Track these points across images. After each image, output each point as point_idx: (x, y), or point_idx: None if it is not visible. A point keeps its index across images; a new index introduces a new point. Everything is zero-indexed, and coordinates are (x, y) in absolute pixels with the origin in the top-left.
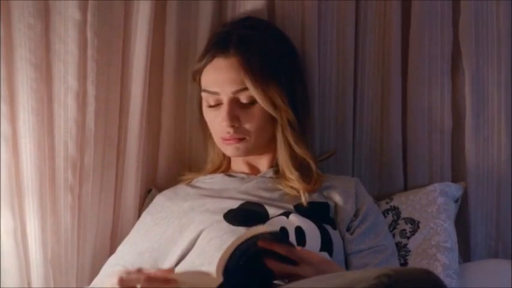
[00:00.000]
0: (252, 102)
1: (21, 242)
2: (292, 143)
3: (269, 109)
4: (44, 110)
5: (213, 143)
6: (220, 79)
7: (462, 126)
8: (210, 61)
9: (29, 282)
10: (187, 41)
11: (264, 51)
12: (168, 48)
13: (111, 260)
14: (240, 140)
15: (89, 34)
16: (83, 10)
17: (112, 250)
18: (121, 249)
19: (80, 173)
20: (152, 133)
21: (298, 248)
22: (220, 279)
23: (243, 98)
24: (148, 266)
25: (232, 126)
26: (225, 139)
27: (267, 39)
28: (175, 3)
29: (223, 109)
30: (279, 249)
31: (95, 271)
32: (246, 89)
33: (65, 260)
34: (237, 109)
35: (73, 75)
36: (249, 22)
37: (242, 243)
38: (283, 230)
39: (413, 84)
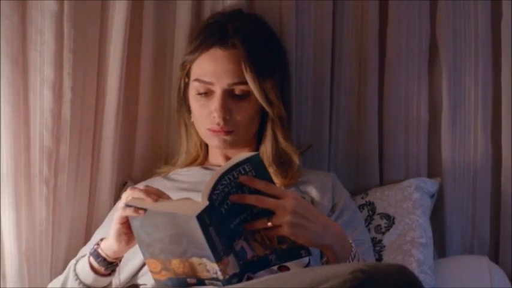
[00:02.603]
0: (245, 95)
1: None
2: (281, 138)
3: (264, 104)
4: (20, 101)
5: (189, 133)
6: (217, 70)
7: (439, 121)
8: (207, 50)
9: (3, 274)
10: (165, 33)
11: (263, 45)
12: (145, 40)
13: (84, 249)
14: (229, 132)
15: (65, 25)
16: (60, 1)
17: (87, 242)
18: (94, 238)
19: (56, 164)
20: (128, 125)
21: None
22: (206, 203)
23: (237, 91)
24: None
25: (224, 118)
26: (214, 130)
27: (263, 33)
28: None
29: (216, 100)
30: (259, 185)
31: (69, 263)
32: (243, 82)
33: (40, 251)
34: (230, 101)
35: (49, 66)
36: (243, 15)
37: (227, 171)
38: None
39: (390, 79)
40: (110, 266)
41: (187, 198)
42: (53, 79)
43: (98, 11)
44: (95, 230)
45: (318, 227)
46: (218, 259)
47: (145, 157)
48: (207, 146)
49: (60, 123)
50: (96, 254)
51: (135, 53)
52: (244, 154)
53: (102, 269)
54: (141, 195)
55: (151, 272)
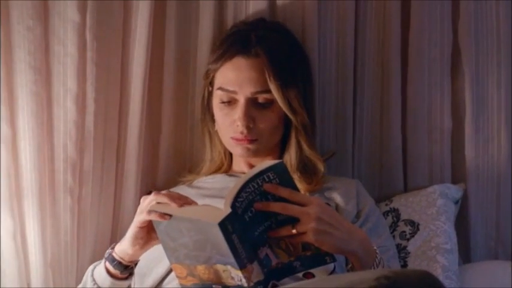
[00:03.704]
0: (269, 103)
1: (21, 244)
2: (305, 146)
3: (288, 112)
4: (44, 112)
5: (213, 142)
6: (240, 78)
7: (462, 127)
8: (230, 60)
9: (28, 284)
10: (188, 42)
11: (286, 54)
12: (167, 50)
13: None
14: (252, 141)
15: (88, 36)
16: (82, 12)
17: None
18: None
19: (80, 175)
20: (152, 135)
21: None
22: (229, 210)
23: (261, 99)
24: (144, 265)
25: (247, 127)
26: (237, 139)
27: (286, 41)
28: (175, 4)
29: (240, 109)
30: (283, 193)
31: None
32: (266, 91)
33: (65, 262)
34: (253, 110)
35: (72, 78)
36: (265, 24)
37: (251, 179)
38: None
39: (413, 85)
40: (125, 269)
41: (210, 205)
42: (76, 90)
43: (120, 22)
44: (119, 240)
45: (342, 234)
46: (242, 266)
47: (169, 166)
48: (231, 154)
49: (84, 134)
50: (111, 258)
51: (158, 63)
52: (268, 162)
53: (118, 273)
54: (165, 199)
55: (177, 277)
